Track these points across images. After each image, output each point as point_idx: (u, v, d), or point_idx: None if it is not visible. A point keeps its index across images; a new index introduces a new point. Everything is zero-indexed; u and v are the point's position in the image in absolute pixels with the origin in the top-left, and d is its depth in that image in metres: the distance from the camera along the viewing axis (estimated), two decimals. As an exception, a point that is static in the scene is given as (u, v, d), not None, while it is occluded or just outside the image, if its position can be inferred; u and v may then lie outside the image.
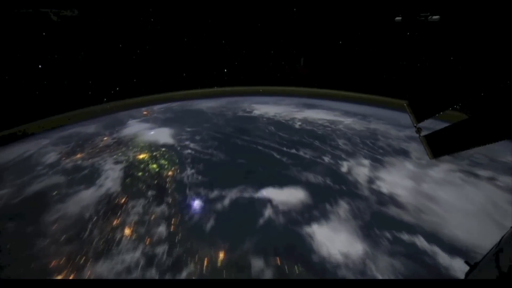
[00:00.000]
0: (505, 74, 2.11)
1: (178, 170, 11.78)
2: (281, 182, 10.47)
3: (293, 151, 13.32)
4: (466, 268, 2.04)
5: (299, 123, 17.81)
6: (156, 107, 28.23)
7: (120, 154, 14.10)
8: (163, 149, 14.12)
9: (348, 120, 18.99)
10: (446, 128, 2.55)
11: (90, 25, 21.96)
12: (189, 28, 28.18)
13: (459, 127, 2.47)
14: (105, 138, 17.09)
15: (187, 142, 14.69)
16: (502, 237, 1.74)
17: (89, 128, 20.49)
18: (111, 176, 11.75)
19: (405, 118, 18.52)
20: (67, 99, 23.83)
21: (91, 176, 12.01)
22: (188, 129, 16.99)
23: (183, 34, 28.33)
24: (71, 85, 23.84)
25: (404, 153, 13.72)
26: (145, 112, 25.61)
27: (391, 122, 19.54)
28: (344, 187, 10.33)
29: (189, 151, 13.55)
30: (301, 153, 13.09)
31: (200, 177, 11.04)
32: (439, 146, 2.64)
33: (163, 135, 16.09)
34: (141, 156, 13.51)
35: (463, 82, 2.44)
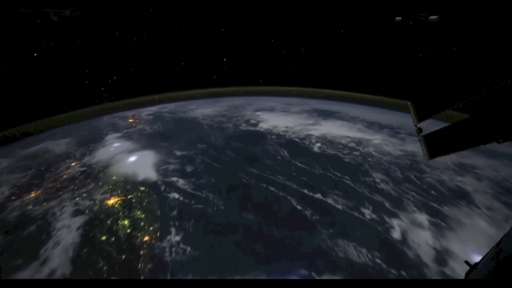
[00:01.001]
0: (505, 74, 2.05)
1: (158, 233, 8.26)
2: (310, 262, 7.00)
3: (318, 195, 9.78)
4: (466, 268, 2.04)
5: (318, 144, 14.16)
6: (145, 112, 24.53)
7: (84, 195, 10.54)
8: (142, 189, 10.55)
9: (377, 138, 15.35)
10: (444, 129, 2.53)
11: (86, 18, 19.93)
12: (188, 16, 25.36)
13: (456, 127, 2.46)
14: (73, 164, 13.48)
15: (174, 178, 11.09)
16: (502, 237, 1.71)
17: (60, 143, 16.87)
18: (64, 241, 8.24)
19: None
20: (47, 103, 21.15)
21: (37, 238, 8.50)
22: (178, 153, 13.36)
23: (182, 21, 25.44)
24: (53, 87, 21.34)
25: (465, 197, 10.22)
26: (131, 120, 21.88)
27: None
28: (404, 273, 6.87)
29: (176, 195, 9.96)
30: (329, 200, 9.55)
31: (188, 250, 7.53)
32: (436, 147, 2.59)
33: (145, 163, 12.47)
34: (111, 202, 9.96)
35: (463, 82, 2.41)
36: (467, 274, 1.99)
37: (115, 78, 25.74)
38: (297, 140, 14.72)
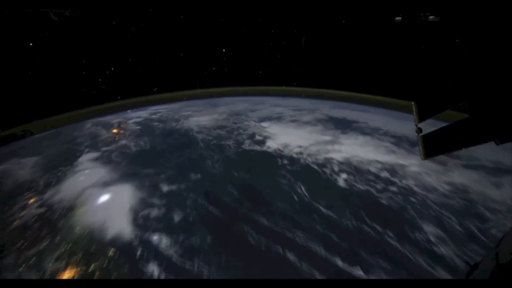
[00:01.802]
0: (503, 75, 2.06)
1: None
2: None
3: (358, 270, 6.91)
4: (466, 268, 2.06)
5: (344, 174, 11.20)
6: (133, 119, 21.54)
7: (33, 261, 7.66)
8: (111, 254, 7.65)
9: (412, 163, 12.40)
10: (440, 129, 2.60)
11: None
12: (186, 5, 22.84)
13: (453, 128, 2.51)
14: (31, 201, 10.56)
15: (156, 234, 8.16)
16: (502, 238, 1.73)
17: (27, 164, 14.01)
18: None
19: (486, 152, 11.55)
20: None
21: None
22: (165, 188, 10.42)
23: (180, 11, 22.76)
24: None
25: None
26: (115, 130, 18.86)
27: (471, 160, 13.07)
28: None
29: (157, 267, 7.05)
30: (375, 278, 6.69)
31: None
32: (432, 147, 2.66)
33: (120, 205, 9.53)
34: (65, 277, 7.10)
35: (463, 82, 2.42)
36: (467, 274, 1.98)
37: (112, 68, 23.78)
38: (316, 167, 11.75)
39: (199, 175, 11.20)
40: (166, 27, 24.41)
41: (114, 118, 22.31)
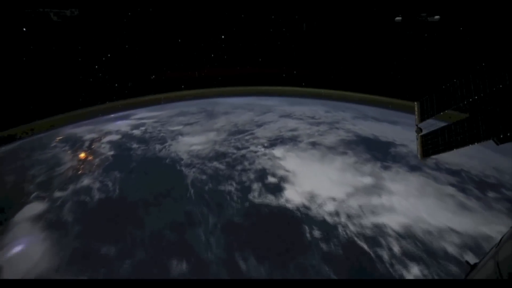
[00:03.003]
0: (500, 77, 2.03)
1: None
2: None
3: None
4: (466, 268, 2.00)
5: (413, 266, 7.07)
6: (111, 134, 17.34)
7: None
8: None
9: (502, 234, 8.39)
10: (439, 129, 2.61)
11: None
12: None
13: (451, 128, 2.50)
14: None
15: None
16: (502, 237, 1.69)
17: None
18: None
19: None
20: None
21: None
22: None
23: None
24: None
25: None
26: (82, 156, 14.64)
27: None
28: None
29: None
30: None
31: None
32: (430, 147, 2.65)
33: None
34: None
35: (463, 83, 2.40)
36: (467, 274, 1.94)
37: (109, 55, 20.88)
38: (365, 246, 7.65)
39: (184, 266, 7.11)
40: (164, 13, 20.47)
41: (88, 131, 18.02)
